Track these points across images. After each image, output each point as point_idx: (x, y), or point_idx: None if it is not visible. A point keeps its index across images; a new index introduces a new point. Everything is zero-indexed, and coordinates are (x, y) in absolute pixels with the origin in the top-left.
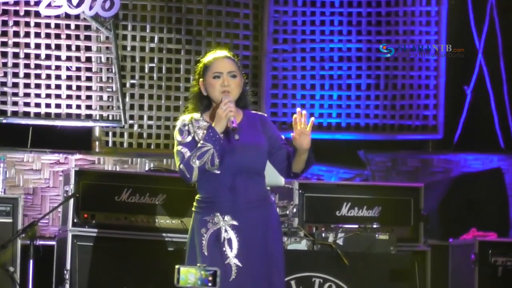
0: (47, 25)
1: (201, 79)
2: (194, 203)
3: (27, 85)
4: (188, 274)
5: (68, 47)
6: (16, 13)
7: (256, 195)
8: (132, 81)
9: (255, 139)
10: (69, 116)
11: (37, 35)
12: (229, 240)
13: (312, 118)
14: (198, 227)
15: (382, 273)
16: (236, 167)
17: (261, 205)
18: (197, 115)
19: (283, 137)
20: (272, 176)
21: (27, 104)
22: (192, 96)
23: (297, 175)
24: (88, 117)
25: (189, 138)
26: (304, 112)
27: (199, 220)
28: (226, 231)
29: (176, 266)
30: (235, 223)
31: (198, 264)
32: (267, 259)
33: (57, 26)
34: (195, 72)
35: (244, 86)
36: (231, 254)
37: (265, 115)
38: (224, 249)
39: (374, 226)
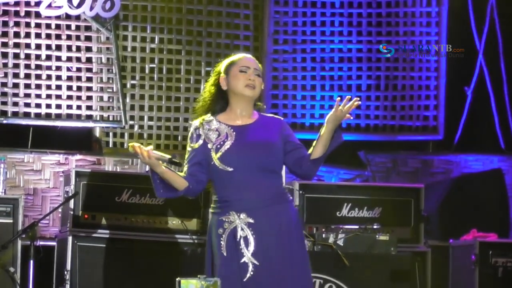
0: (48, 26)
1: (222, 75)
2: (212, 204)
3: (27, 86)
4: (188, 285)
5: (69, 48)
6: (17, 13)
7: (271, 192)
8: (133, 82)
9: (267, 137)
10: (69, 116)
11: (38, 35)
12: (245, 238)
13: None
14: (215, 228)
15: (383, 274)
16: (249, 164)
17: (277, 202)
18: (208, 117)
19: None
20: None
21: (27, 105)
22: (207, 95)
23: (312, 166)
24: (89, 117)
25: (200, 142)
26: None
27: (216, 221)
28: (242, 229)
29: (177, 279)
30: (250, 220)
31: (198, 276)
32: (286, 257)
33: (58, 26)
34: (213, 72)
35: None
36: (248, 252)
37: (282, 118)
38: (240, 247)
39: (375, 226)
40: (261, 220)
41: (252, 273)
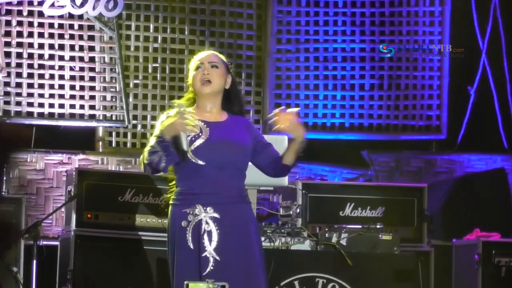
0: (51, 25)
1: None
2: (172, 196)
3: (30, 85)
4: None
5: (72, 47)
6: (20, 13)
7: (238, 191)
8: (136, 81)
9: (241, 137)
10: (72, 116)
11: (41, 35)
12: (209, 233)
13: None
14: (177, 219)
15: (386, 274)
16: (222, 161)
17: (242, 201)
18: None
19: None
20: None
21: (30, 104)
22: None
23: (285, 169)
24: (92, 117)
25: None
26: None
27: (178, 213)
28: (207, 223)
29: (185, 282)
30: (216, 215)
31: (206, 280)
32: (246, 254)
33: (61, 26)
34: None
35: (236, 91)
36: (210, 247)
37: (249, 120)
38: (203, 241)
39: (378, 226)
40: (227, 216)
41: (212, 267)
